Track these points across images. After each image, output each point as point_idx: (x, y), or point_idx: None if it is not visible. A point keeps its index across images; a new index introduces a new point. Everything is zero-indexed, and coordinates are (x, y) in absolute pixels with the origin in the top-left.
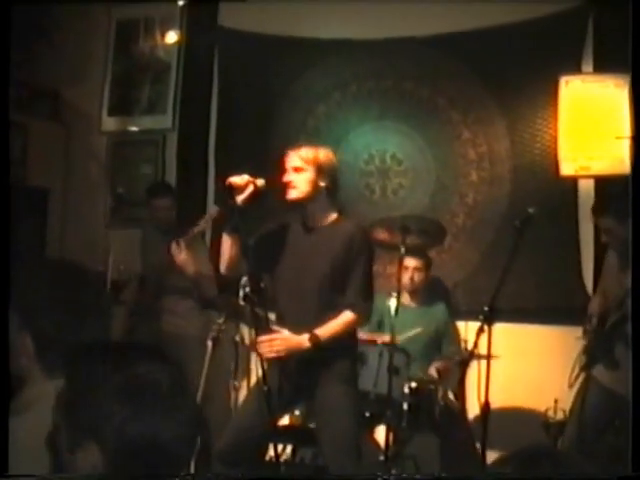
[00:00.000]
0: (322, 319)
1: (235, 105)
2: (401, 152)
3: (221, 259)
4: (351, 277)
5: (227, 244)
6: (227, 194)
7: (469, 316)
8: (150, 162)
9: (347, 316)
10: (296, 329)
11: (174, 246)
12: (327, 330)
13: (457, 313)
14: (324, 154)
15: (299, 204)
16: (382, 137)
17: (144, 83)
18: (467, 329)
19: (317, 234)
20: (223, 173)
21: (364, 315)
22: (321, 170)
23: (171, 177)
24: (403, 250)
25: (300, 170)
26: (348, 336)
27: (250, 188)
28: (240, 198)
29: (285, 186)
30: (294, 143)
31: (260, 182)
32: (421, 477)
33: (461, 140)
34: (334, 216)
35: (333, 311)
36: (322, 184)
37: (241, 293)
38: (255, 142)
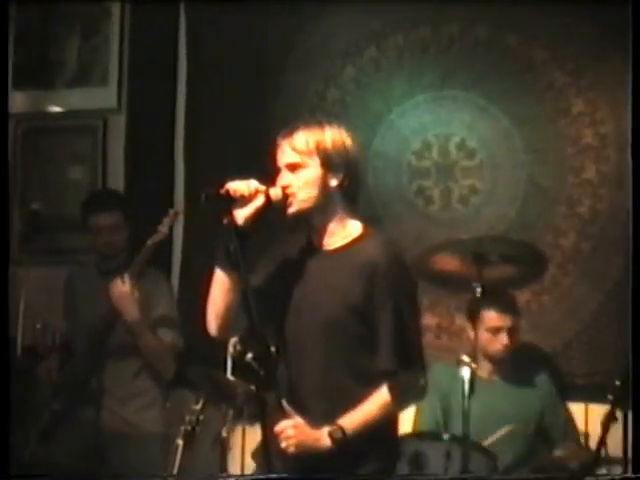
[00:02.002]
0: (348, 398)
1: (214, 72)
2: (474, 138)
3: (209, 310)
4: (380, 329)
5: (221, 286)
6: (222, 208)
7: (589, 395)
8: (84, 161)
9: (384, 394)
10: (311, 415)
11: (117, 282)
12: (356, 419)
13: (569, 390)
14: (332, 136)
15: (303, 218)
16: (444, 115)
17: (71, 37)
18: (587, 416)
19: (327, 260)
20: (199, 175)
21: (410, 391)
22: (329, 161)
23: (117, 182)
24: (479, 291)
25: (298, 167)
26: (389, 425)
27: (258, 201)
28: (242, 215)
29: (281, 194)
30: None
31: (275, 192)
32: (422, 477)
33: (571, 116)
34: (355, 231)
35: (365, 384)
36: (333, 183)
37: (230, 362)
38: (248, 127)
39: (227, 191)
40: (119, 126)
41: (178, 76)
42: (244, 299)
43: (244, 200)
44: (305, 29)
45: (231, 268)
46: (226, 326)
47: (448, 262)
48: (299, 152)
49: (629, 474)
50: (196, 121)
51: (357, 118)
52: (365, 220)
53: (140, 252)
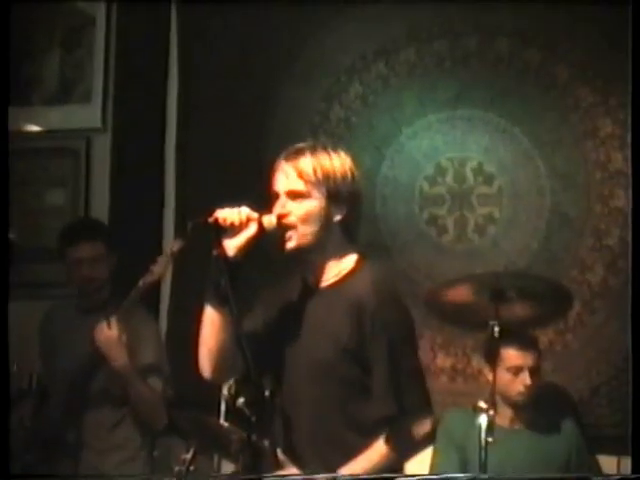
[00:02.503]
0: (345, 448)
1: (208, 89)
2: (492, 162)
3: (201, 351)
4: (374, 372)
5: (212, 325)
6: (211, 238)
7: (621, 448)
8: (64, 185)
9: (382, 445)
10: (308, 466)
11: (103, 327)
12: (356, 471)
13: (597, 442)
14: (340, 164)
15: (300, 254)
16: (459, 137)
17: (51, 49)
18: (620, 471)
19: (321, 298)
20: (191, 203)
21: (413, 438)
22: (336, 194)
23: (101, 209)
24: (497, 330)
25: (301, 196)
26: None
27: (251, 229)
28: (233, 245)
29: (275, 223)
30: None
31: (269, 221)
32: (424, 477)
33: (598, 138)
34: (348, 265)
35: (362, 433)
36: (336, 218)
37: (223, 407)
38: (247, 149)
39: (216, 220)
40: (103, 147)
41: (169, 93)
42: (237, 339)
43: (235, 229)
44: (308, 40)
45: (222, 304)
46: (220, 368)
47: (463, 298)
48: (306, 180)
49: (629, 474)
50: (188, 142)
51: (364, 140)
52: (362, 252)
53: (129, 294)
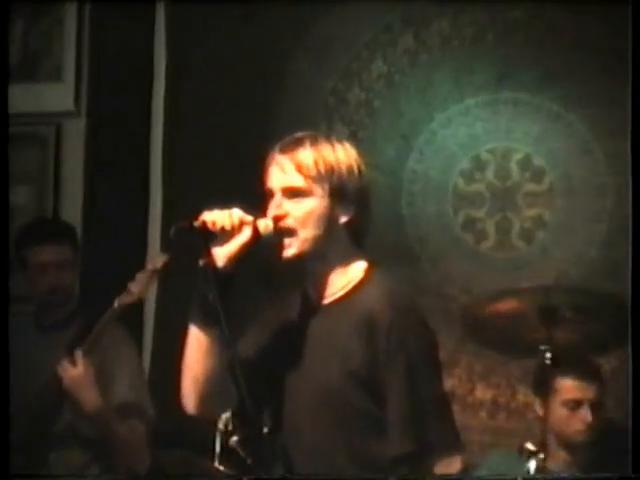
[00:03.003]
0: None
1: (201, 65)
2: (542, 154)
3: (184, 380)
4: (389, 402)
5: (198, 348)
6: (198, 244)
7: None
8: (30, 180)
9: None
10: None
11: (66, 366)
12: None
13: None
14: (345, 157)
15: (300, 262)
16: (503, 124)
17: (14, 19)
18: None
19: (325, 316)
20: (181, 205)
21: None
22: (341, 191)
23: (72, 209)
24: (549, 356)
25: (300, 194)
26: None
27: (244, 235)
28: (223, 254)
29: (272, 227)
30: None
31: (265, 225)
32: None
33: None
34: (356, 276)
35: (374, 474)
36: (342, 219)
37: (218, 447)
38: (245, 142)
39: (204, 224)
40: (77, 135)
41: (156, 74)
42: (229, 365)
43: (225, 235)
44: (320, 9)
45: (210, 324)
46: (207, 401)
47: (506, 317)
48: (305, 175)
49: (629, 474)
50: (178, 131)
51: (388, 128)
52: (371, 259)
53: (102, 317)
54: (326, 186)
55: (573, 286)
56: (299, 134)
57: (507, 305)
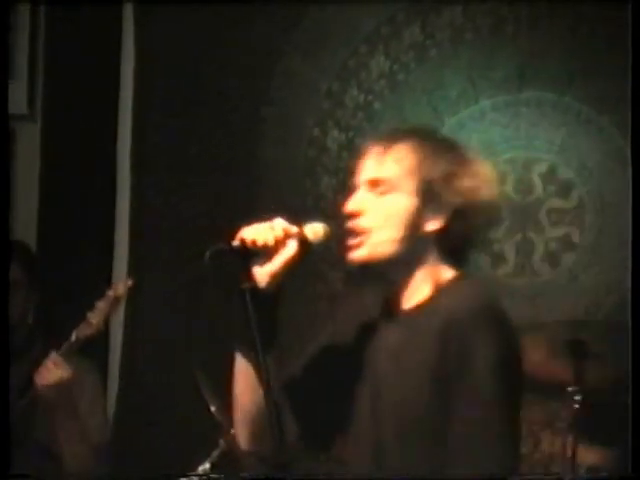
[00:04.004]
0: None
1: (174, 62)
2: (570, 164)
3: (235, 412)
4: (451, 416)
5: (245, 380)
6: (236, 263)
7: None
8: None
9: None
10: None
11: (50, 364)
12: None
13: None
14: (456, 158)
15: (374, 269)
16: (524, 129)
17: None
18: None
19: (404, 328)
20: (150, 219)
21: None
22: (432, 192)
23: (25, 228)
24: (579, 399)
25: (384, 187)
26: None
27: (290, 248)
28: (265, 272)
29: (322, 233)
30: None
31: (313, 230)
32: (425, 477)
33: None
34: (442, 284)
35: None
36: (430, 226)
37: None
38: (221, 151)
39: (243, 242)
40: (31, 141)
41: (122, 68)
42: (268, 399)
43: (268, 251)
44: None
45: (256, 352)
46: (259, 436)
47: (529, 355)
48: (395, 166)
49: (629, 474)
50: (149, 138)
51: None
52: (462, 270)
53: (57, 350)
54: (416, 182)
55: (606, 319)
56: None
57: (529, 341)
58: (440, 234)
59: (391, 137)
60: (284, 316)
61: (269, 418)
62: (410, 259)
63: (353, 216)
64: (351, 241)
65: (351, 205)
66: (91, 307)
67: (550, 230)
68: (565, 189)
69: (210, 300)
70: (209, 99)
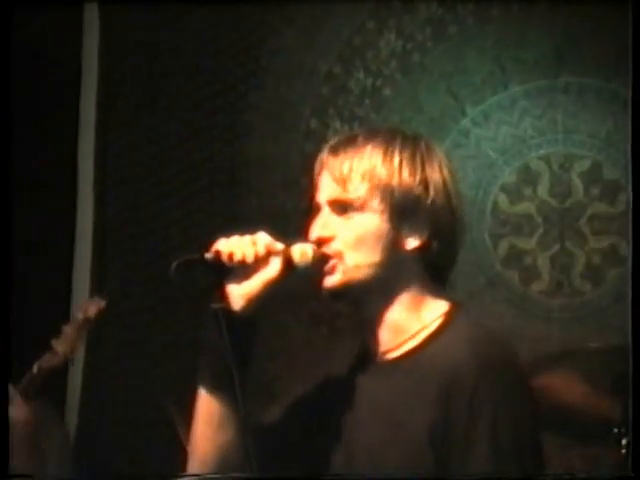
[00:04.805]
0: None
1: (144, 67)
2: (617, 162)
3: (192, 460)
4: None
5: (209, 420)
6: (208, 280)
7: None
8: None
9: None
10: None
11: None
12: None
13: None
14: (421, 158)
15: (351, 297)
16: (561, 121)
17: None
18: None
19: (388, 377)
20: (115, 232)
21: None
22: (405, 207)
23: None
24: (625, 442)
25: (351, 208)
26: None
27: (272, 268)
28: (240, 294)
29: (311, 255)
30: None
31: (301, 252)
32: (425, 477)
33: None
34: (433, 319)
35: None
36: (410, 244)
37: None
38: (201, 154)
39: (217, 255)
40: None
41: (84, 78)
42: (245, 445)
43: (246, 268)
44: None
45: (224, 387)
46: None
47: (567, 388)
48: (359, 183)
49: (629, 474)
50: (110, 139)
51: (403, 126)
52: (455, 300)
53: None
54: (387, 198)
55: None
56: (357, 131)
57: (567, 372)
58: (422, 252)
59: (350, 144)
60: (261, 347)
61: (241, 466)
62: (392, 283)
63: (321, 243)
64: (323, 267)
65: (316, 231)
66: (56, 333)
67: (593, 240)
68: (610, 192)
69: (177, 322)
70: (184, 85)
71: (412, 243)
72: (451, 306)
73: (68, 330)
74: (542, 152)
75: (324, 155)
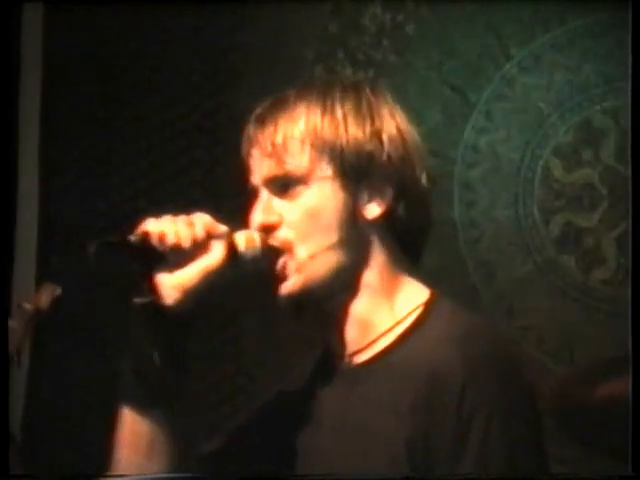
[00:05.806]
0: None
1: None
2: None
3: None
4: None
5: (132, 442)
6: (134, 270)
7: None
8: None
9: None
10: None
11: None
12: None
13: None
14: (368, 106)
15: (310, 296)
16: (628, 64)
17: None
18: None
19: (355, 383)
20: (66, 222)
21: None
22: (363, 166)
23: None
24: None
25: (293, 184)
26: None
27: (213, 255)
28: (173, 286)
29: (259, 242)
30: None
31: (247, 238)
32: (425, 477)
33: None
34: (410, 310)
35: None
36: (371, 212)
37: None
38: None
39: (146, 237)
40: None
41: (23, 76)
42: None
43: (182, 255)
44: None
45: (152, 403)
46: None
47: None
48: (292, 153)
49: (629, 474)
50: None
51: (429, 72)
52: (435, 284)
53: None
54: (336, 160)
55: None
56: (290, 91)
57: (626, 383)
58: (388, 219)
59: (279, 108)
60: (202, 351)
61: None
62: (356, 266)
63: (266, 231)
64: (275, 267)
65: (258, 218)
66: None
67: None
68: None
69: (98, 319)
70: (144, 34)
71: (374, 210)
72: (430, 294)
73: (14, 325)
74: (607, 105)
75: (250, 129)
